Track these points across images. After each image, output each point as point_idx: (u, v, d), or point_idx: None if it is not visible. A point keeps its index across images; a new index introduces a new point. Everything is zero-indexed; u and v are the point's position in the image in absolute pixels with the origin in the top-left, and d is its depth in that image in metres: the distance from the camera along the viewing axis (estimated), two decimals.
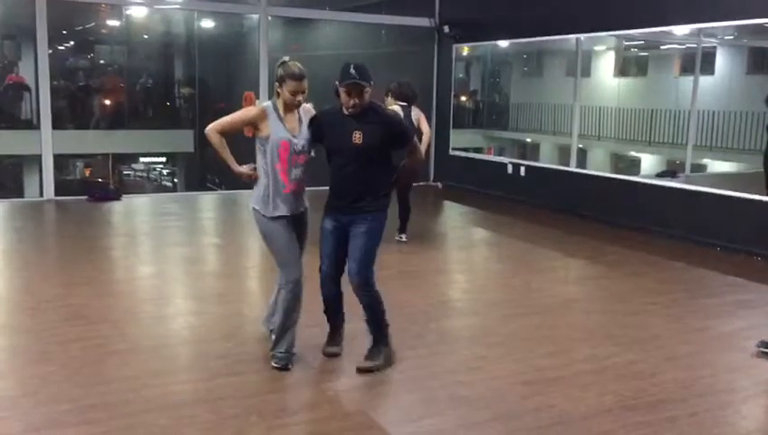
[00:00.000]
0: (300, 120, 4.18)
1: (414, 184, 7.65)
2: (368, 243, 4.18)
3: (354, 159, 4.13)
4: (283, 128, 4.11)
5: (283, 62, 4.13)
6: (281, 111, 4.14)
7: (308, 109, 4.24)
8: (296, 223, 4.26)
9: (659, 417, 3.78)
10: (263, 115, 4.11)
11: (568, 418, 3.75)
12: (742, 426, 3.85)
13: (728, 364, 4.68)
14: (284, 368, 4.19)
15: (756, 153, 10.46)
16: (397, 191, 7.58)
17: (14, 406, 3.77)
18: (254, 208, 4.26)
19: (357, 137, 4.09)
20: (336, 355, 4.46)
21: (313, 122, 4.21)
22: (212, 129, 4.14)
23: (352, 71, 4.00)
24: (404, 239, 7.67)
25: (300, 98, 4.10)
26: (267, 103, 4.19)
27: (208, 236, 8.88)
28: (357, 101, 4.04)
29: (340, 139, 4.14)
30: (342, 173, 4.17)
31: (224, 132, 4.16)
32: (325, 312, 4.49)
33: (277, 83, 4.11)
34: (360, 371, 4.24)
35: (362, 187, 4.17)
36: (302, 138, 4.16)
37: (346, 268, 4.28)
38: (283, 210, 4.18)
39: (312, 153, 4.25)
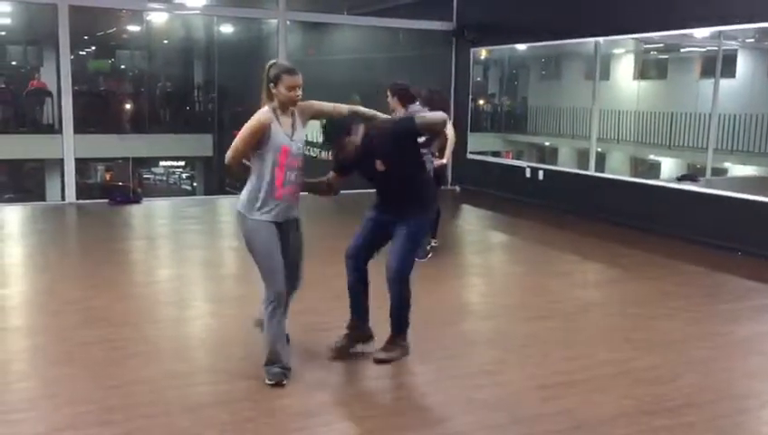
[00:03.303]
0: (294, 120, 4.05)
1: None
2: (407, 245, 4.29)
3: (387, 182, 4.31)
4: (281, 132, 3.98)
5: (274, 63, 4.05)
6: (278, 114, 4.00)
7: (304, 107, 4.09)
8: (286, 232, 4.11)
9: (678, 422, 3.76)
10: (267, 128, 3.95)
11: (586, 422, 3.74)
12: (761, 431, 3.82)
13: (747, 369, 4.64)
14: (279, 384, 4.02)
15: None
16: None
17: (36, 407, 3.83)
18: (238, 212, 4.11)
19: (379, 165, 4.23)
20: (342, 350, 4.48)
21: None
22: (230, 161, 4.01)
23: None
24: (434, 244, 7.59)
25: (299, 93, 3.97)
26: (266, 112, 3.98)
27: (227, 239, 8.92)
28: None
29: (366, 167, 4.28)
30: (381, 189, 4.39)
31: (240, 158, 4.03)
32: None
33: (272, 84, 3.97)
34: (377, 361, 4.33)
35: (404, 196, 4.32)
36: (298, 140, 4.05)
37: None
38: (271, 215, 4.03)
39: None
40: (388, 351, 4.43)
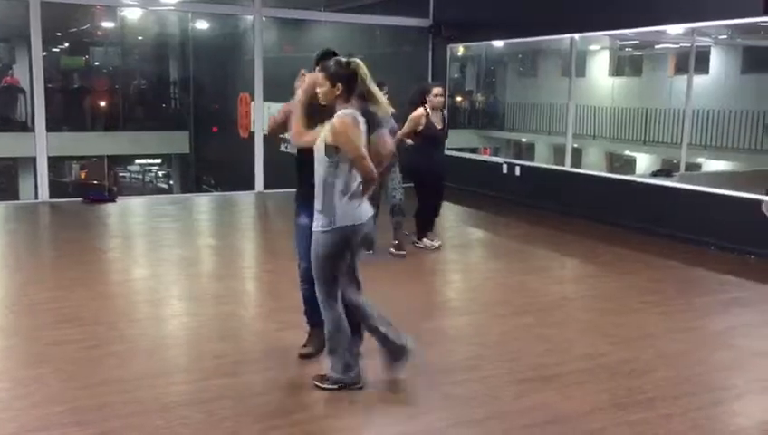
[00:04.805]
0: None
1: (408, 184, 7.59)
2: None
3: None
4: None
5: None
6: None
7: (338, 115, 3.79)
8: None
9: (653, 414, 3.79)
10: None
11: (562, 416, 3.77)
12: (734, 423, 3.87)
13: (721, 362, 4.69)
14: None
15: (753, 152, 10.51)
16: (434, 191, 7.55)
17: (9, 408, 3.77)
18: None
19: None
20: (310, 356, 4.37)
21: None
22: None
23: None
24: (421, 244, 7.59)
25: (316, 91, 3.84)
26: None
27: (204, 237, 8.87)
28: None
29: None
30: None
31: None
32: (304, 312, 4.45)
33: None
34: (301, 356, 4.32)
35: None
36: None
37: None
38: None
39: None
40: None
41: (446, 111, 7.61)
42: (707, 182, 8.69)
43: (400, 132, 7.10)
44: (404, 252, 7.19)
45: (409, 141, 7.34)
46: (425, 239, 7.60)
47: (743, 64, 11.98)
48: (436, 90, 7.41)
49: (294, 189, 4.38)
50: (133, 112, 20.97)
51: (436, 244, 7.59)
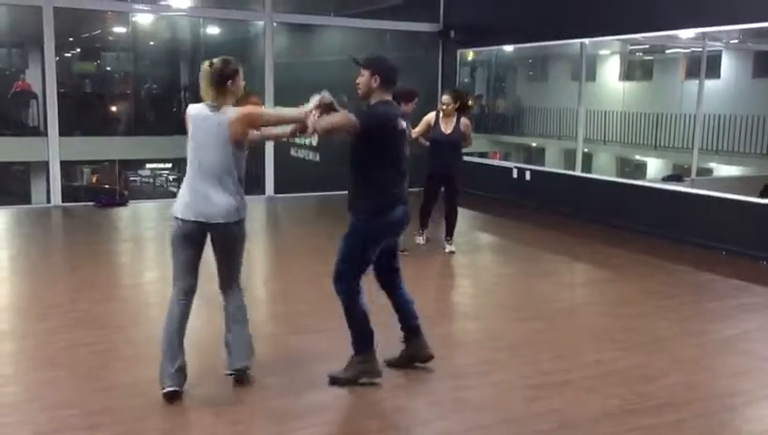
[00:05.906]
0: None
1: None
2: (342, 248, 4.10)
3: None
4: None
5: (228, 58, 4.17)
6: None
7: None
8: None
9: (664, 420, 3.77)
10: None
11: (572, 422, 3.75)
12: (746, 429, 3.85)
13: (732, 367, 4.67)
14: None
15: (765, 157, 10.45)
16: (445, 196, 7.70)
17: (21, 411, 3.80)
18: (242, 219, 4.06)
19: None
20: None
21: None
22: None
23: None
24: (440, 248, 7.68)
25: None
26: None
27: None
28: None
29: None
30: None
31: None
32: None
33: (231, 81, 4.12)
34: (330, 380, 4.10)
35: (350, 185, 4.15)
36: None
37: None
38: None
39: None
40: (346, 370, 4.09)
41: (464, 118, 7.57)
42: (719, 187, 8.65)
43: (413, 132, 7.19)
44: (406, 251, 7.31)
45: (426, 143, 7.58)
46: (424, 234, 7.80)
47: (754, 69, 11.92)
48: (443, 98, 7.55)
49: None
50: (144, 117, 21.04)
51: (418, 240, 7.75)
